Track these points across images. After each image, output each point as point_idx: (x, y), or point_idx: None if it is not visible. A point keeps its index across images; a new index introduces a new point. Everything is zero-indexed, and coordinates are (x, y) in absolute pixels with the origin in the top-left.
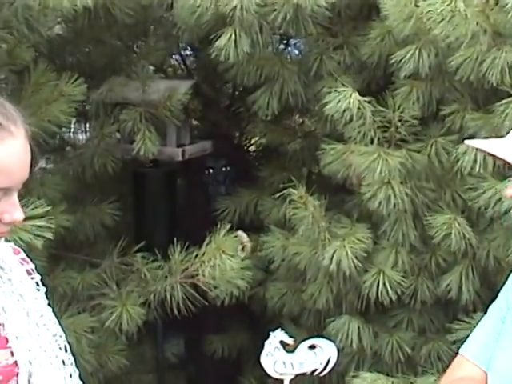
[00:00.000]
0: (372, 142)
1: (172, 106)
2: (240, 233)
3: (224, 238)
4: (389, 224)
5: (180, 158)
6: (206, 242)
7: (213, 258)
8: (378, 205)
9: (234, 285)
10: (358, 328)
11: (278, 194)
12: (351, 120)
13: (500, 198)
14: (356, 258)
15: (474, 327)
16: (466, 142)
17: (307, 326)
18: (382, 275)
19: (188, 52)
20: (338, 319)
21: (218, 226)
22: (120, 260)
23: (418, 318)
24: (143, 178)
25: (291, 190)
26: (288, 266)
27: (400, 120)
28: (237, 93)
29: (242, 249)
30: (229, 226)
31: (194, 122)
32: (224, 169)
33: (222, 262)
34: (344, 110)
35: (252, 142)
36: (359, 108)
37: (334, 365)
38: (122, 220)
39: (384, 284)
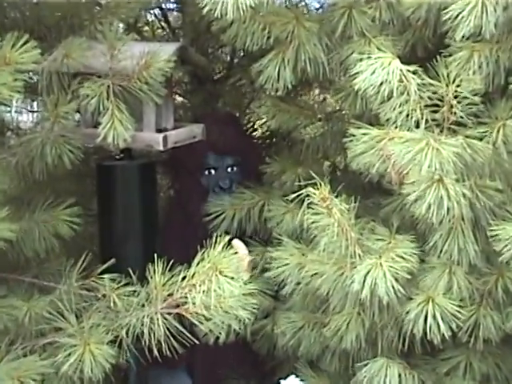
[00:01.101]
0: (418, 125)
1: (150, 77)
2: (236, 242)
3: (221, 254)
4: (440, 236)
5: (161, 147)
6: (196, 260)
7: (206, 281)
8: (427, 210)
9: (233, 316)
10: (399, 375)
11: (292, 196)
12: (390, 96)
13: None
14: (396, 280)
15: None
16: None
17: (330, 371)
18: (430, 304)
19: (171, 5)
20: (372, 363)
21: (214, 238)
22: (81, 283)
23: (479, 362)
24: (112, 173)
25: (310, 189)
26: (305, 291)
27: (456, 97)
28: (236, 60)
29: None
30: (227, 237)
31: (180, 100)
32: (220, 162)
33: (219, 285)
34: (381, 83)
35: (257, 125)
36: (401, 81)
37: None
38: (83, 230)
39: (434, 316)
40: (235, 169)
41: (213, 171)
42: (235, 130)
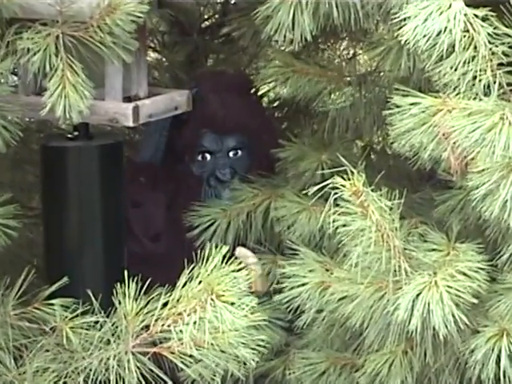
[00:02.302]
0: (488, 92)
1: (115, 24)
2: (241, 250)
3: (218, 270)
4: None
5: (130, 122)
6: (183, 279)
7: (198, 309)
8: (500, 209)
9: (233, 357)
10: None
11: (312, 189)
12: (450, 52)
13: None
14: (457, 306)
15: None
16: None
17: None
18: (505, 339)
19: None
20: None
21: (207, 249)
22: (20, 312)
23: None
24: (62, 158)
25: (337, 179)
26: (330, 320)
27: None
28: (233, 1)
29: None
30: (225, 248)
31: (156, 56)
32: (218, 143)
33: (216, 314)
34: (437, 34)
35: (262, 93)
36: (466, 30)
37: None
38: (21, 236)
39: (509, 355)
40: (240, 153)
41: (208, 156)
42: (243, 97)
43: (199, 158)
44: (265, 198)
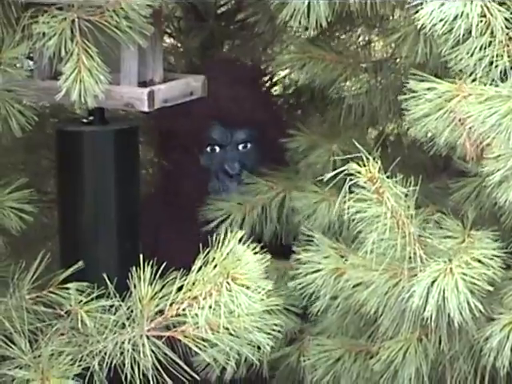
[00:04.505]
0: (505, 77)
1: (131, 9)
2: None
3: (234, 254)
4: None
5: (145, 107)
6: (198, 264)
7: (213, 292)
8: None
9: (247, 341)
10: None
11: (327, 176)
12: (467, 37)
13: None
14: (472, 293)
15: None
16: None
17: None
18: None
19: None
20: None
21: (222, 234)
22: (35, 296)
23: None
24: (77, 143)
25: (353, 165)
26: (345, 307)
27: None
28: None
29: None
30: (241, 233)
31: (171, 42)
32: (228, 136)
33: (232, 298)
34: (454, 19)
35: (277, 79)
36: (483, 14)
37: None
38: (37, 221)
39: None
40: (249, 146)
41: (217, 148)
42: (253, 90)
43: (208, 149)
44: (279, 191)
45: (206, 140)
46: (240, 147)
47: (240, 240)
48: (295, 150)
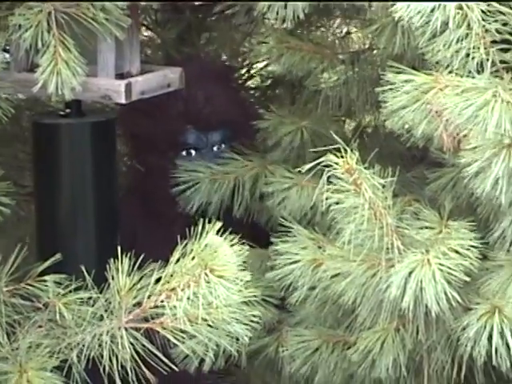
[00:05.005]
0: (481, 70)
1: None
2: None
3: (212, 246)
4: (510, 222)
5: (123, 99)
6: (175, 256)
7: (191, 284)
8: (492, 186)
9: (226, 332)
10: None
11: (307, 166)
12: (444, 29)
13: None
14: (449, 284)
15: None
16: None
17: None
18: (497, 317)
19: None
20: None
21: (200, 225)
22: (13, 288)
23: None
24: (54, 135)
25: (330, 157)
26: (323, 298)
27: None
28: None
29: None
30: (219, 224)
31: (148, 34)
32: (203, 140)
33: (210, 290)
34: (431, 10)
35: (254, 70)
36: (460, 7)
37: None
38: (14, 214)
39: (501, 333)
40: (224, 146)
41: (193, 152)
42: (226, 90)
43: (184, 153)
44: (253, 166)
45: (181, 144)
46: (215, 148)
47: (218, 231)
48: (265, 129)
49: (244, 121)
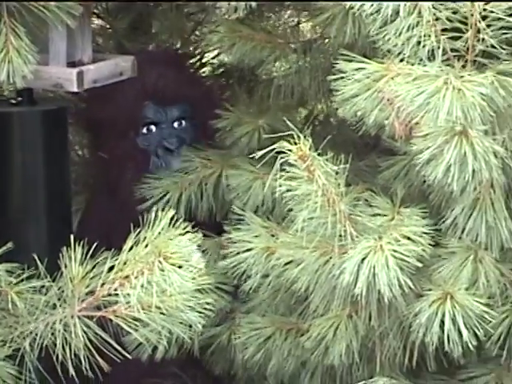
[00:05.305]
0: (432, 57)
1: None
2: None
3: (165, 233)
4: (462, 209)
5: (74, 88)
6: (129, 243)
7: (145, 271)
8: (444, 173)
9: (180, 320)
10: None
11: (259, 153)
12: (395, 18)
13: None
14: (402, 270)
15: None
16: None
17: None
18: (449, 303)
19: None
20: None
21: (153, 214)
22: None
23: None
24: (5, 124)
25: (284, 144)
26: (276, 285)
27: (485, 18)
28: None
29: None
30: (172, 212)
31: (99, 23)
32: (162, 114)
33: (163, 276)
34: None
35: (206, 59)
36: None
37: None
38: None
39: (453, 319)
40: (184, 123)
41: (153, 128)
42: (179, 69)
43: (144, 130)
44: (215, 168)
45: (140, 121)
46: (175, 124)
47: (172, 219)
48: (224, 128)
49: (202, 98)
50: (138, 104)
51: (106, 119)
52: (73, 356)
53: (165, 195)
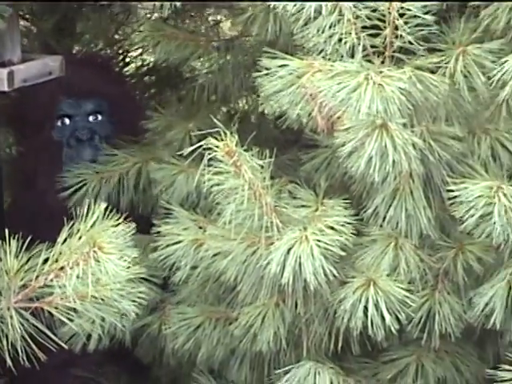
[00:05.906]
0: (353, 54)
1: None
2: None
3: (99, 224)
4: (383, 199)
5: (5, 87)
6: (63, 235)
7: (80, 262)
8: (365, 165)
9: (114, 309)
10: (331, 383)
11: (187, 150)
12: (316, 16)
13: None
14: (326, 258)
15: None
16: None
17: (239, 382)
18: (371, 289)
19: None
20: (296, 369)
21: (85, 207)
22: None
23: (434, 364)
24: None
25: (211, 140)
26: (204, 276)
27: (402, 15)
28: None
29: None
30: (104, 205)
31: (26, 24)
32: (77, 108)
33: (99, 266)
34: None
35: (130, 58)
36: None
37: None
38: None
39: (375, 305)
40: (99, 117)
41: (67, 121)
42: (98, 67)
43: (58, 123)
44: (136, 162)
45: (55, 113)
46: (90, 118)
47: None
48: (153, 130)
49: (120, 95)
50: (54, 98)
51: (24, 114)
52: (9, 347)
53: (84, 185)
